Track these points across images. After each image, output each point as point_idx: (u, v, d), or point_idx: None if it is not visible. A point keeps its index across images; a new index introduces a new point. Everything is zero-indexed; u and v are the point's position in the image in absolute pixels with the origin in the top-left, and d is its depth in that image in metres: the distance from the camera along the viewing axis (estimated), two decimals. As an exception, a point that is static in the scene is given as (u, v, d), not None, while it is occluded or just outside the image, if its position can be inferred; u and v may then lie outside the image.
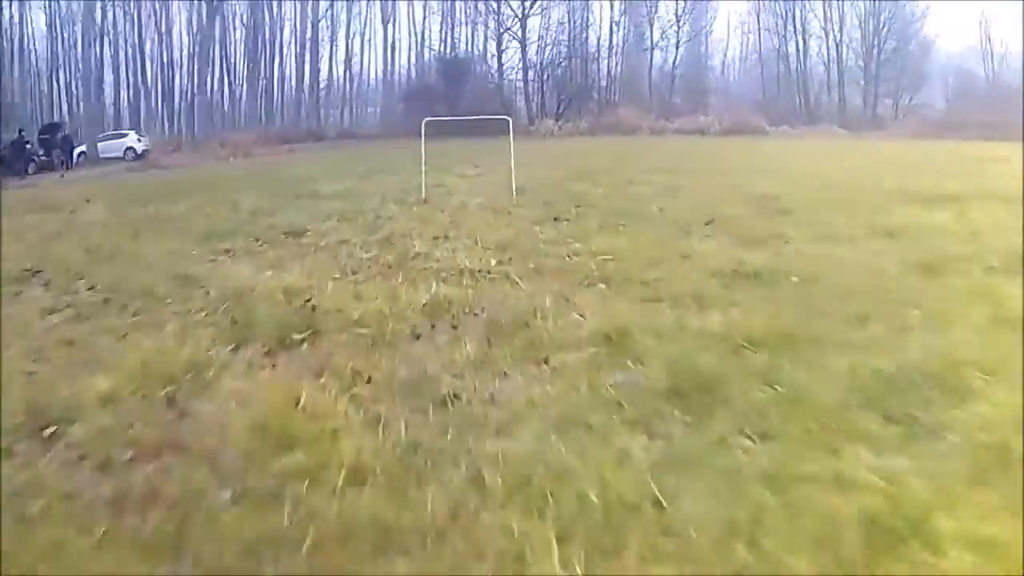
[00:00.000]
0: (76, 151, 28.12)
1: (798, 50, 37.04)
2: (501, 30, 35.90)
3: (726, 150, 19.98)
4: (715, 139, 28.10)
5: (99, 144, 28.60)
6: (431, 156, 10.45)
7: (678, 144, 24.62)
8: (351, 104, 43.56)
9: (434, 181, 11.35)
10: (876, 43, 35.36)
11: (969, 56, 36.58)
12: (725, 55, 39.14)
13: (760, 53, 36.86)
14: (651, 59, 37.20)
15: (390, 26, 41.04)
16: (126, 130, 31.79)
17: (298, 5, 39.33)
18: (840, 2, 36.04)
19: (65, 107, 34.58)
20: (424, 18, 40.44)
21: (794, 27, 36.08)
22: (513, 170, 9.77)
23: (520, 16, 35.80)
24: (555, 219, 7.38)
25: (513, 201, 8.82)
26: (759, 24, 36.55)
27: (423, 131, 10.93)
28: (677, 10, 37.08)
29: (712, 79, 37.69)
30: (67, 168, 24.38)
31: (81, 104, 36.41)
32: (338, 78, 42.43)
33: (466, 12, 38.46)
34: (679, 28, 37.20)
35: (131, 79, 37.94)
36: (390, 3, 40.67)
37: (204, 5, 33.77)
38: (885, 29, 35.57)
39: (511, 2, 35.48)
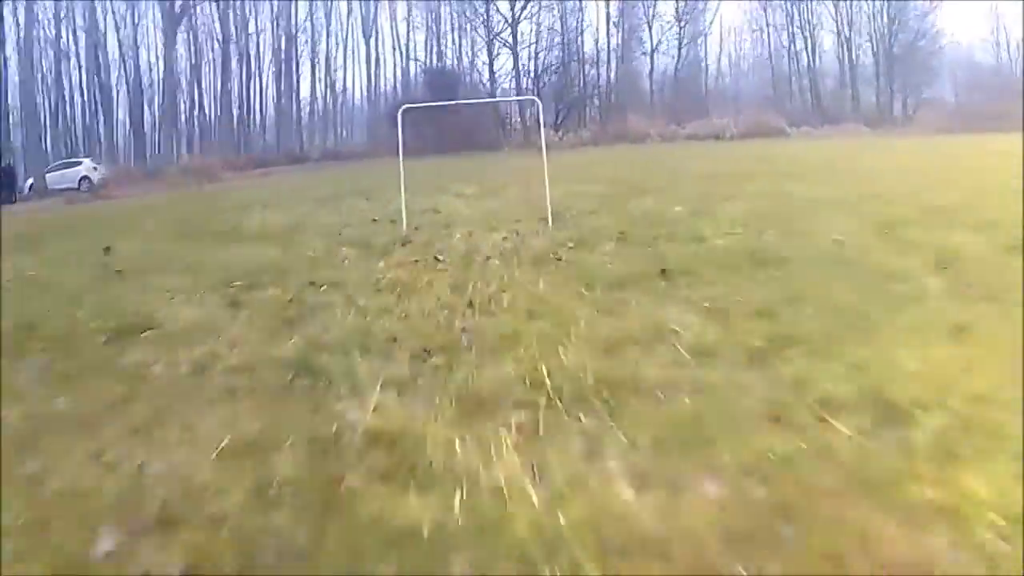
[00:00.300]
0: (27, 182, 25.21)
1: (806, 47, 34.55)
2: (491, 36, 33.14)
3: (774, 152, 17.06)
4: (736, 143, 25.36)
5: (48, 175, 25.53)
6: (419, 174, 7.43)
7: (703, 149, 21.84)
8: (335, 123, 40.75)
9: (423, 204, 8.30)
10: (888, 38, 32.84)
11: (978, 48, 34.27)
12: (731, 55, 36.53)
13: (770, 51, 34.24)
14: (652, 62, 34.47)
15: (372, 39, 38.43)
16: (82, 157, 28.80)
17: (274, 13, 36.58)
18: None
19: (19, 134, 31.41)
20: (408, 30, 37.75)
21: (802, 23, 33.54)
22: (547, 185, 6.72)
23: (510, 21, 33.09)
24: (662, 272, 4.20)
25: (554, 236, 5.63)
26: (767, 20, 33.93)
27: (400, 122, 7.96)
28: (678, 9, 34.48)
29: (720, 80, 34.98)
30: (11, 201, 21.22)
31: (47, 131, 33.53)
32: (320, 96, 39.75)
33: (452, 20, 35.74)
34: (681, 28, 34.56)
35: (91, 102, 34.93)
36: (371, 14, 38.05)
37: (168, 20, 30.78)
38: (896, 23, 33.10)
39: (498, 4, 32.74)
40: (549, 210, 6.46)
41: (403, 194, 6.99)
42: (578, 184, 9.80)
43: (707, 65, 36.61)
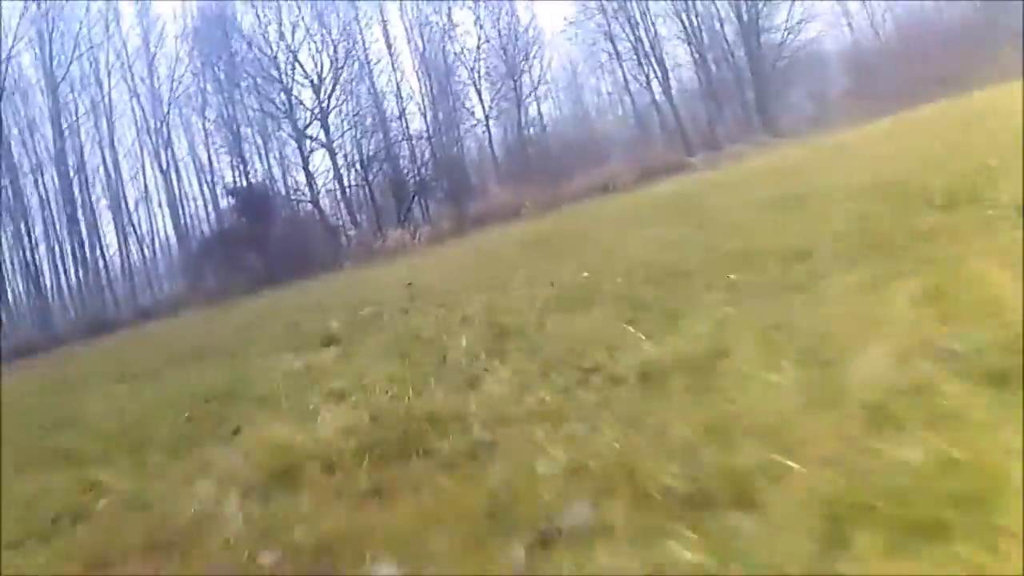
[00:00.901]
0: None
1: (657, 75, 30.52)
2: (298, 134, 26.19)
3: (734, 189, 11.12)
4: (633, 189, 19.91)
5: None
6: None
7: (607, 208, 15.96)
8: (146, 276, 30.94)
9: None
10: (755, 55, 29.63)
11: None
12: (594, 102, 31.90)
13: (628, 89, 29.74)
14: (488, 130, 28.36)
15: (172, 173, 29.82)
16: None
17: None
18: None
19: None
20: (209, 155, 29.44)
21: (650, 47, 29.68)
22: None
23: (319, 114, 26.36)
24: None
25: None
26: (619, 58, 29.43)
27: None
28: (508, 62, 29.24)
29: (584, 130, 29.89)
30: None
31: None
32: (119, 249, 30.08)
33: (252, 125, 28.14)
34: (516, 83, 29.18)
35: None
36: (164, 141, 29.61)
37: None
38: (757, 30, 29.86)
39: (301, 95, 26.02)
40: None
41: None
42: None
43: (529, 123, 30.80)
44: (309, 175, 25.89)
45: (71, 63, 28.28)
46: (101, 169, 29.45)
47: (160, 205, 30.41)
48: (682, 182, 18.35)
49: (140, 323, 23.73)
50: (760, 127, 27.76)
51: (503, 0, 28.63)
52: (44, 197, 28.36)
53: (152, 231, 31.16)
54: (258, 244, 26.02)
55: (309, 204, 25.87)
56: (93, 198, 29.60)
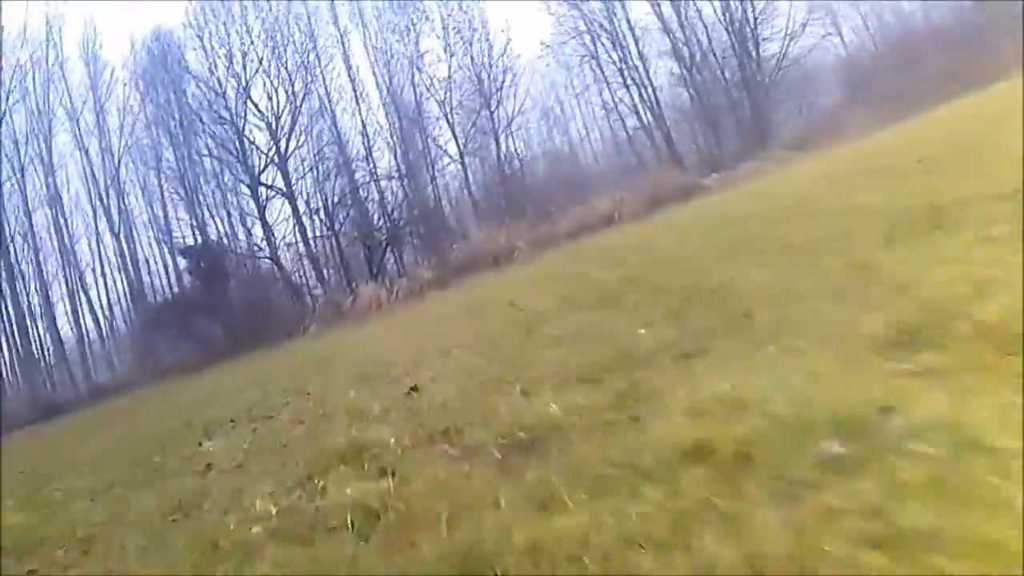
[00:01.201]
0: None
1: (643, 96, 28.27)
2: (252, 181, 23.20)
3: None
4: (635, 221, 17.33)
5: None
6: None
7: (627, 239, 13.32)
8: (94, 353, 27.06)
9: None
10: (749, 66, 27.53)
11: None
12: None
13: (618, 111, 27.30)
14: (464, 166, 25.50)
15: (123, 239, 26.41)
16: None
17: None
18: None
19: None
20: (164, 210, 26.11)
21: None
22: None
23: (274, 157, 23.42)
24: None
25: None
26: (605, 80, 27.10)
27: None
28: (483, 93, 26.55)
29: (569, 159, 27.39)
30: None
31: None
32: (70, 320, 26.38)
33: (206, 179, 25.06)
34: (492, 119, 26.32)
35: None
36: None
37: None
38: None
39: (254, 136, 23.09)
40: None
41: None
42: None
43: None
44: (267, 227, 22.82)
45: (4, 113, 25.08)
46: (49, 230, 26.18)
47: (117, 270, 27.00)
48: (714, 203, 15.93)
49: (93, 402, 20.56)
50: (762, 142, 25.57)
51: (473, 28, 26.22)
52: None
53: (107, 298, 27.56)
54: (213, 309, 22.86)
55: (268, 260, 22.73)
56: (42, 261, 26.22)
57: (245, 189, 23.46)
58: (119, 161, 26.59)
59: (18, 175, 25.00)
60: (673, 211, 17.89)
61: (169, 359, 21.47)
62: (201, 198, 25.28)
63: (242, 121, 23.06)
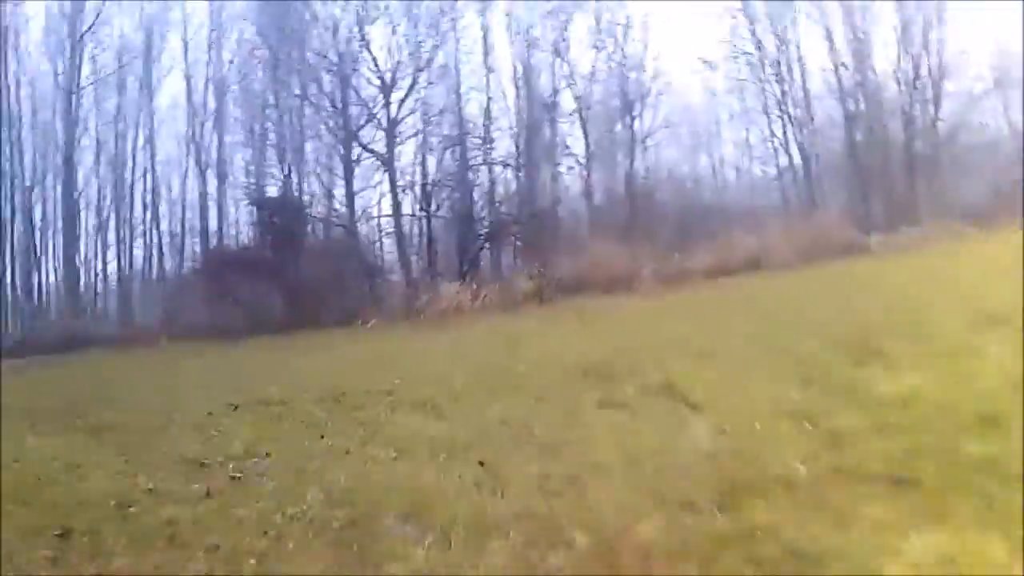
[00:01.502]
0: None
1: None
2: (345, 136, 20.36)
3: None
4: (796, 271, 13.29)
5: None
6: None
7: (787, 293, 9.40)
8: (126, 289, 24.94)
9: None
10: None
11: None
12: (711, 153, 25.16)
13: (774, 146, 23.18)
14: (588, 171, 21.87)
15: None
16: None
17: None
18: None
19: None
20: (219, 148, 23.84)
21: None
22: None
23: (381, 120, 20.50)
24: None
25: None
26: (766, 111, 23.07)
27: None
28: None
29: (709, 189, 23.33)
30: None
31: None
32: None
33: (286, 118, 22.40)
34: (631, 126, 22.72)
35: None
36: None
37: None
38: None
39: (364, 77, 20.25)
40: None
41: None
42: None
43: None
44: (352, 193, 19.83)
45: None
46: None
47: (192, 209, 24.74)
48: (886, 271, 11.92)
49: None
50: (930, 208, 20.85)
51: (629, 26, 22.82)
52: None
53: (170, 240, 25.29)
54: (276, 272, 19.80)
55: (342, 228, 19.67)
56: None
57: (336, 145, 20.64)
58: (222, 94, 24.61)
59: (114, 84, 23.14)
60: (830, 269, 14.14)
61: (205, 318, 18.53)
62: (295, 154, 22.73)
63: (352, 70, 20.34)
